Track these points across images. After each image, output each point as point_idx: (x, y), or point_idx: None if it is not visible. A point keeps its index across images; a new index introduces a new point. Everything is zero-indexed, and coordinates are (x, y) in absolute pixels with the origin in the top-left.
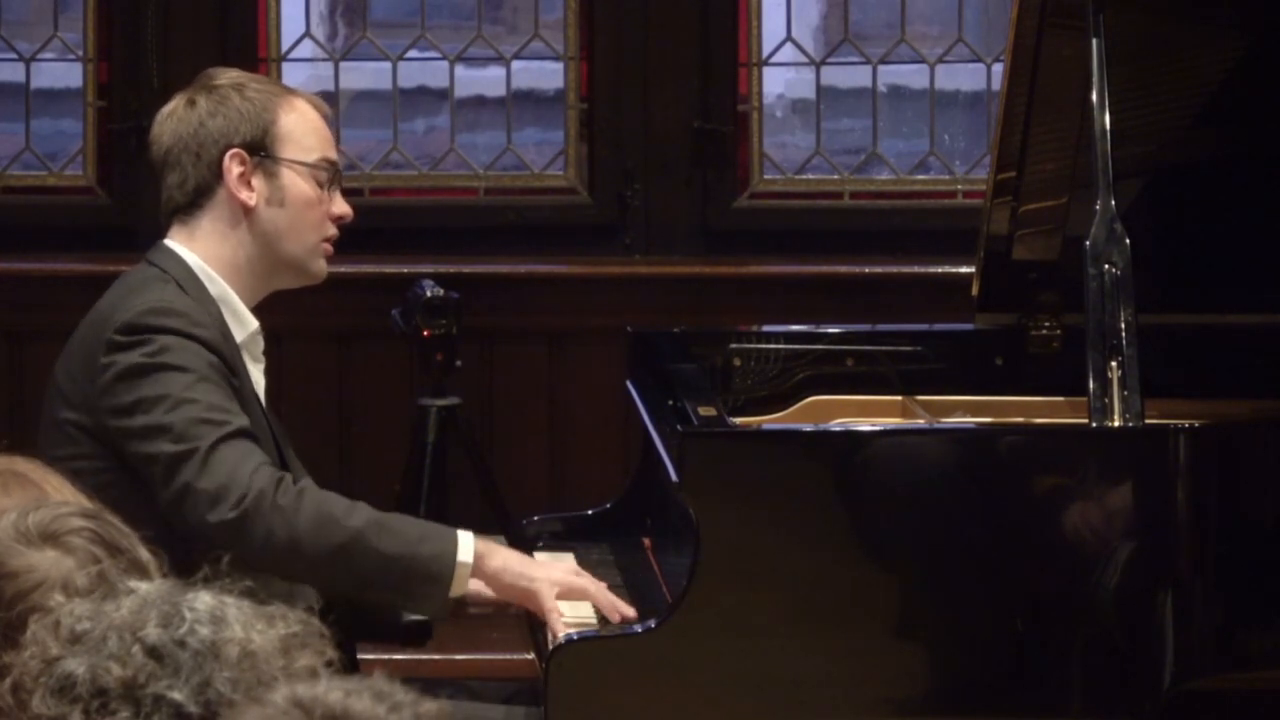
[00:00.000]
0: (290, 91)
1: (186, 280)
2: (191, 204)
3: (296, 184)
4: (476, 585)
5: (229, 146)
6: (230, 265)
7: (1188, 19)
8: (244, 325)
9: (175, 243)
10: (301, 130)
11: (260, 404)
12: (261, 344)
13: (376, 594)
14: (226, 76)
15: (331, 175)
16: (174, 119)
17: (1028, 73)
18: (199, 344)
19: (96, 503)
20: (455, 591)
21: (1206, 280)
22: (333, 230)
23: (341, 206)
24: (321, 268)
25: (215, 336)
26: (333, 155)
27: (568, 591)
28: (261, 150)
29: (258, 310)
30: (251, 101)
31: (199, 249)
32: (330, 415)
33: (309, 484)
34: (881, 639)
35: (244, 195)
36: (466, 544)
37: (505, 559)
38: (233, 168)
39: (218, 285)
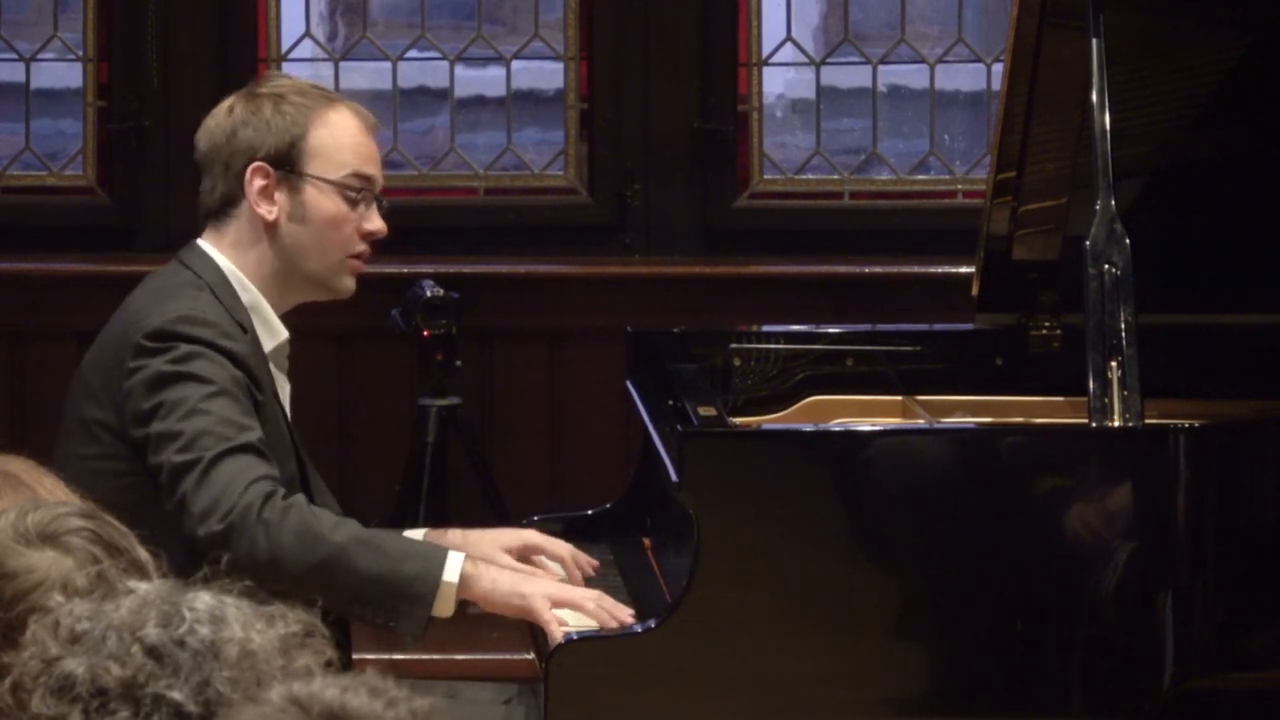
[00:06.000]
0: (333, 103)
1: (220, 287)
2: (220, 211)
3: (320, 201)
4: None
5: (253, 159)
6: (259, 274)
7: (1188, 19)
8: (274, 335)
9: (208, 245)
10: (333, 145)
11: (284, 414)
12: (287, 352)
13: (360, 611)
14: (271, 85)
15: (363, 191)
16: (214, 123)
17: (1028, 73)
18: (225, 356)
19: (91, 502)
20: (439, 612)
21: (1206, 280)
22: (361, 247)
23: (374, 223)
24: (347, 285)
25: (244, 349)
26: (368, 170)
27: (561, 604)
28: (286, 165)
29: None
30: (283, 114)
31: (229, 255)
32: (330, 415)
33: (300, 500)
34: (882, 639)
35: (263, 210)
36: (454, 565)
37: (495, 579)
38: (255, 181)
39: (250, 293)
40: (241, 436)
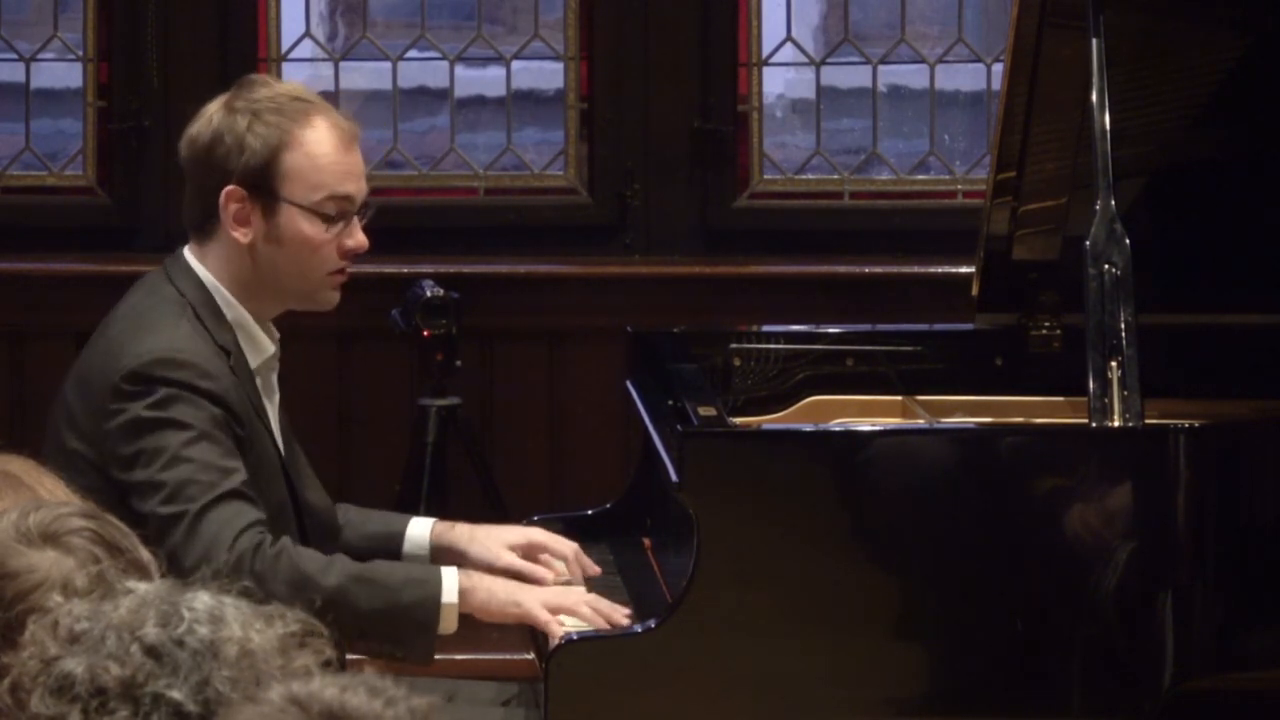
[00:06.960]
0: (310, 118)
1: (203, 305)
2: (201, 225)
3: (295, 225)
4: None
5: (227, 181)
6: (241, 288)
7: (1188, 19)
8: (260, 351)
9: (192, 257)
10: (309, 168)
11: (272, 435)
12: (277, 358)
13: (365, 646)
14: (248, 97)
15: (342, 210)
16: (195, 130)
17: (1028, 73)
18: (203, 397)
19: (91, 503)
20: (444, 631)
21: (1206, 280)
22: (341, 264)
23: (354, 239)
24: (328, 298)
25: (223, 386)
26: (346, 189)
27: (556, 610)
28: (260, 188)
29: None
30: (257, 135)
31: (212, 269)
32: (330, 415)
33: (286, 544)
34: (881, 639)
35: (238, 234)
36: (450, 584)
37: (490, 589)
38: (230, 205)
39: (234, 310)
40: (225, 483)
